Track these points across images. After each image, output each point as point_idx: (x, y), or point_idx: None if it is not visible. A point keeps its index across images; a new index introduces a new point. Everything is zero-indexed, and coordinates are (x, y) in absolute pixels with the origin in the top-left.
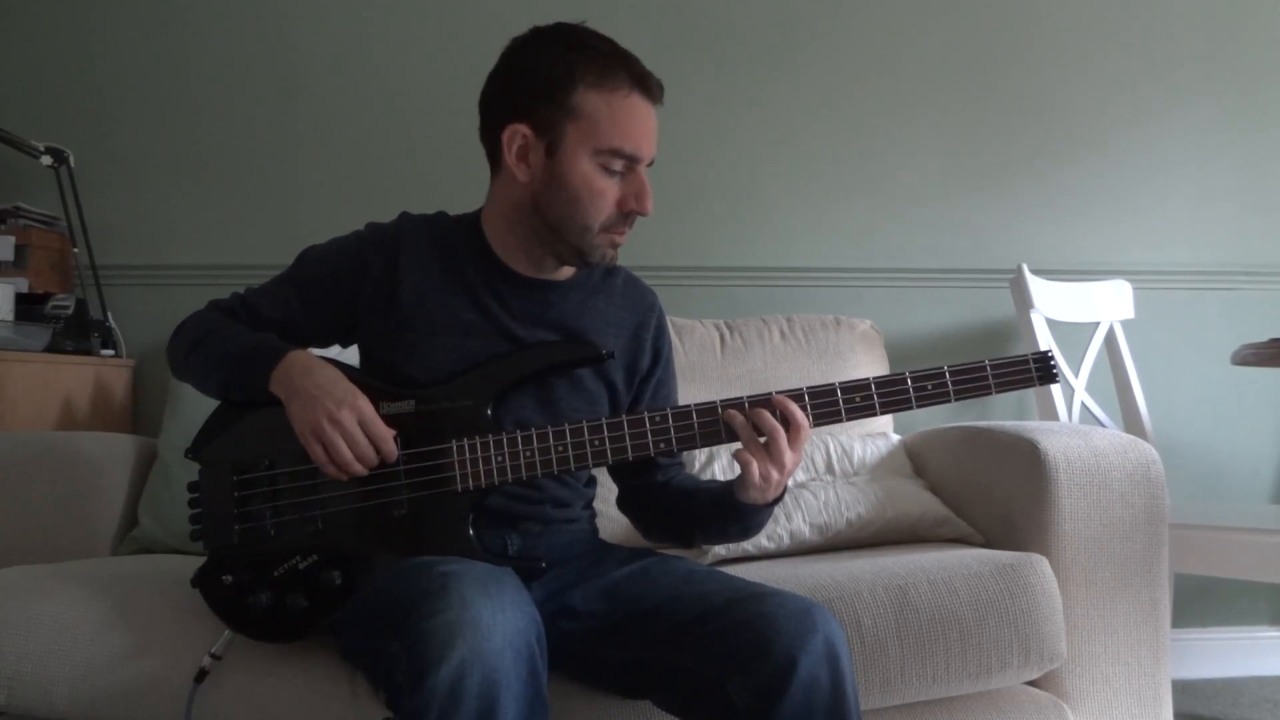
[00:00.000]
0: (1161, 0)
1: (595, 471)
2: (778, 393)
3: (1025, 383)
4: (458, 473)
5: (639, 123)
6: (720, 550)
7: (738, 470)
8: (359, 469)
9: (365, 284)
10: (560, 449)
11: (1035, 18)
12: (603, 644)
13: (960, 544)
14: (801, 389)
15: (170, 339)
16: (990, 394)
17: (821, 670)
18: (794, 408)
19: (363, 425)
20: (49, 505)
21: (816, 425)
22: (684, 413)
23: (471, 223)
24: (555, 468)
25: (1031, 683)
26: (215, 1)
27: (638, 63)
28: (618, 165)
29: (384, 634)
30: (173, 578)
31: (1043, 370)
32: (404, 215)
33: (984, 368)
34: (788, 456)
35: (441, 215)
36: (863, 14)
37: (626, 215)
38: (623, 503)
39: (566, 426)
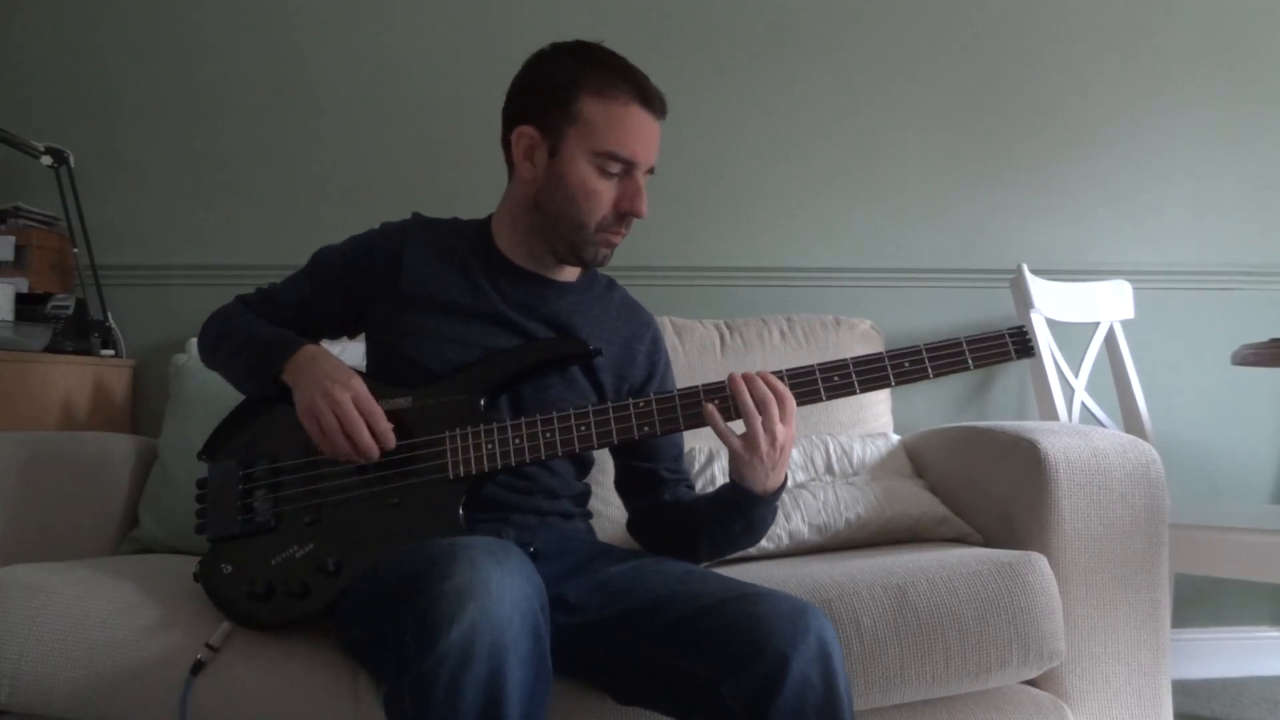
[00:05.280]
0: (1161, 3)
1: (591, 472)
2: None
3: (1003, 357)
4: (449, 460)
5: (636, 131)
6: None
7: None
8: (343, 444)
9: (372, 269)
10: (548, 434)
11: (1037, 20)
12: (596, 640)
13: (959, 544)
14: (781, 370)
15: (201, 328)
16: (968, 369)
17: (813, 670)
18: (776, 381)
19: (357, 402)
20: (49, 505)
21: (798, 405)
22: (667, 397)
23: (482, 224)
24: (543, 453)
25: (1031, 683)
26: (216, 1)
27: (643, 78)
28: (615, 168)
29: (390, 606)
30: (173, 576)
31: (1020, 345)
32: (415, 215)
33: (959, 344)
34: (779, 428)
35: (454, 219)
36: (864, 15)
37: (622, 217)
38: (633, 526)
39: (555, 414)
